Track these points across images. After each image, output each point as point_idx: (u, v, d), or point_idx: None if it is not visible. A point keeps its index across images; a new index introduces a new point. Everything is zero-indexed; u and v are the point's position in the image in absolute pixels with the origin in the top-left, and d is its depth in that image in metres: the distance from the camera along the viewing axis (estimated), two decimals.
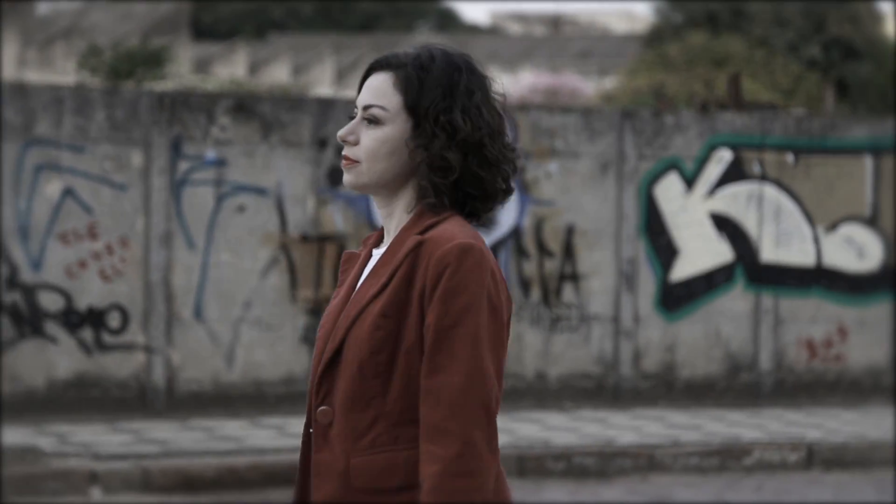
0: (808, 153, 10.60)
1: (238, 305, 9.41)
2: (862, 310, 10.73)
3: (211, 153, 9.33)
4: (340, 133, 2.52)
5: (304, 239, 9.55)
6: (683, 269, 10.36)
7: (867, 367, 10.79)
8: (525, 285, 9.98)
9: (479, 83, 2.51)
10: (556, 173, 10.05)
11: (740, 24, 38.80)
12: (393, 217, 2.54)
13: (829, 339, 10.67)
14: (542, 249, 10.03)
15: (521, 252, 9.98)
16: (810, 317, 10.59)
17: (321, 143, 9.57)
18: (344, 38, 48.23)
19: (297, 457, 8.87)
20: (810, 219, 10.61)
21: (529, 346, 9.99)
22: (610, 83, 37.42)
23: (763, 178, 10.49)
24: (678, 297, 10.33)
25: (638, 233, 10.25)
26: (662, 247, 10.29)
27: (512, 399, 9.88)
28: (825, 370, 10.71)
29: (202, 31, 50.36)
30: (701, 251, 10.36)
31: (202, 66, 45.85)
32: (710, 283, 10.40)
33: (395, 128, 2.50)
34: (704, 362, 10.42)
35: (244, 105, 9.42)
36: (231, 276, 9.38)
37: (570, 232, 10.09)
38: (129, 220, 9.19)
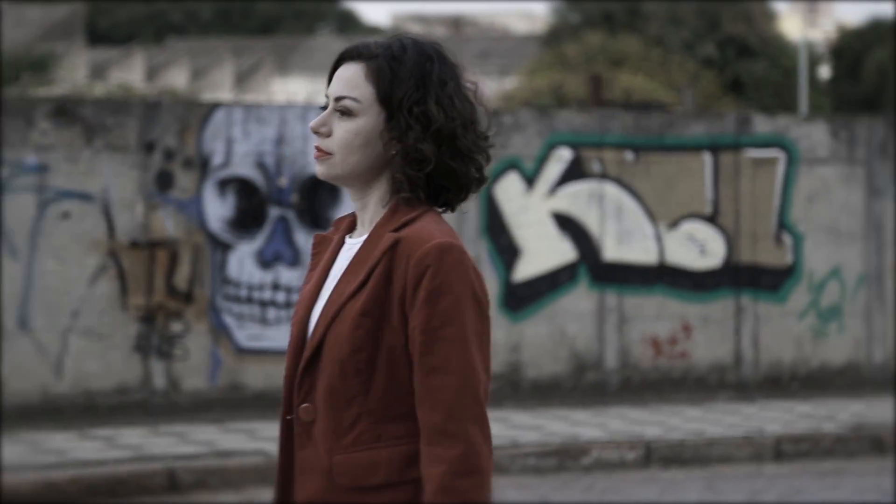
0: (648, 151, 10.61)
1: (66, 314, 9.19)
2: (705, 306, 10.76)
3: (31, 158, 9.09)
4: (312, 124, 2.50)
5: (134, 245, 9.35)
6: (526, 269, 10.31)
7: (712, 363, 10.82)
8: None
9: (451, 73, 2.50)
10: None
11: (636, 24, 39.13)
12: (367, 209, 2.54)
13: (673, 336, 10.68)
14: None
15: None
16: (654, 314, 10.59)
17: (148, 147, 9.38)
18: (243, 41, 47.80)
19: (120, 469, 8.47)
20: (652, 216, 10.61)
21: None
22: (510, 83, 37.51)
23: (603, 176, 10.48)
24: (522, 298, 10.28)
25: (479, 233, 10.18)
26: (504, 247, 10.23)
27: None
28: (671, 367, 10.72)
29: (99, 36, 49.64)
30: (543, 251, 10.32)
31: (98, 72, 45.20)
32: (553, 282, 10.36)
33: (368, 119, 2.49)
34: (550, 362, 10.38)
35: (65, 109, 9.20)
36: (57, 284, 9.15)
37: None
38: None
